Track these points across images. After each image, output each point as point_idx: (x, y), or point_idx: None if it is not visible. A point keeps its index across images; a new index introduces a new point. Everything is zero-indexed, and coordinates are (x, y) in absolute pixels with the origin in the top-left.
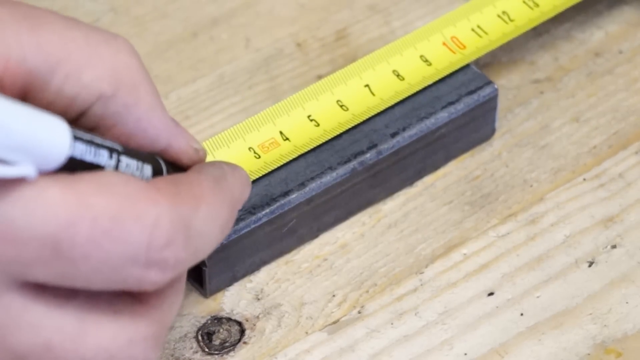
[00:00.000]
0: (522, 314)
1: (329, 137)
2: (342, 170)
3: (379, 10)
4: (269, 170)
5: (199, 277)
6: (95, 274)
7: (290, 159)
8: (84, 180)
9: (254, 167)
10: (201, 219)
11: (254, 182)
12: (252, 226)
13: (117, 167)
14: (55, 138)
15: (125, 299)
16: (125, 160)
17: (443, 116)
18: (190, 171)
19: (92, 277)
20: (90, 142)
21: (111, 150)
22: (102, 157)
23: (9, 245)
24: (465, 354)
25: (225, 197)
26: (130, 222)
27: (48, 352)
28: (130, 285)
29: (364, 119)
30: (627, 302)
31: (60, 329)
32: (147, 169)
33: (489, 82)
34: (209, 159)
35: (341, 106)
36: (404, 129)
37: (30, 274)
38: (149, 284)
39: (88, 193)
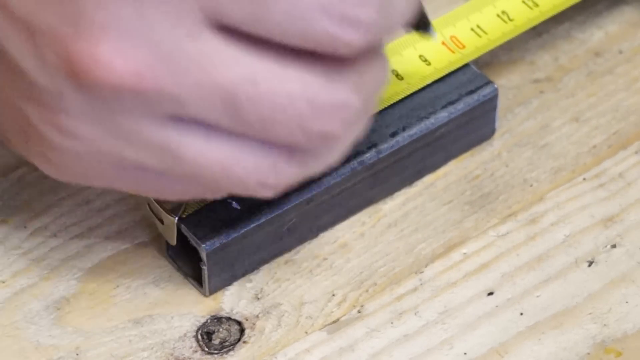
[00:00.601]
0: (522, 314)
1: None
2: (342, 170)
3: None
4: None
5: (199, 277)
6: (287, 20)
7: None
8: None
9: None
10: None
11: None
12: (252, 226)
13: None
14: None
15: (324, 61)
16: None
17: (443, 116)
18: None
19: (284, 24)
20: None
21: None
22: None
23: None
24: (465, 354)
25: None
26: None
27: (254, 86)
28: (324, 44)
29: None
30: (627, 302)
31: (262, 67)
32: None
33: (489, 82)
34: None
35: None
36: (403, 129)
37: (223, 12)
38: (344, 45)
39: None
